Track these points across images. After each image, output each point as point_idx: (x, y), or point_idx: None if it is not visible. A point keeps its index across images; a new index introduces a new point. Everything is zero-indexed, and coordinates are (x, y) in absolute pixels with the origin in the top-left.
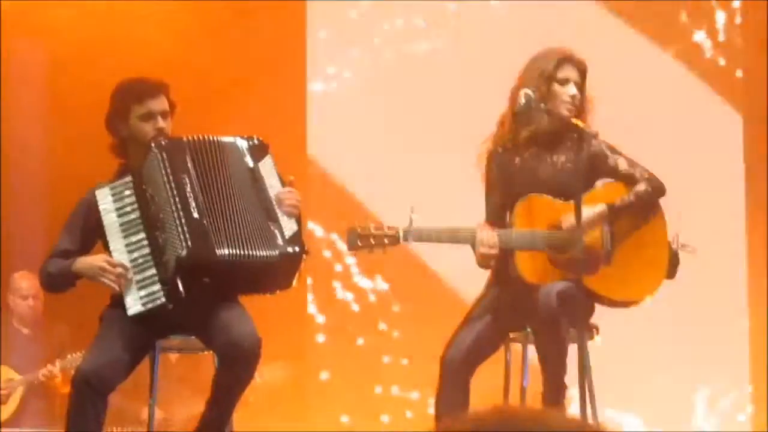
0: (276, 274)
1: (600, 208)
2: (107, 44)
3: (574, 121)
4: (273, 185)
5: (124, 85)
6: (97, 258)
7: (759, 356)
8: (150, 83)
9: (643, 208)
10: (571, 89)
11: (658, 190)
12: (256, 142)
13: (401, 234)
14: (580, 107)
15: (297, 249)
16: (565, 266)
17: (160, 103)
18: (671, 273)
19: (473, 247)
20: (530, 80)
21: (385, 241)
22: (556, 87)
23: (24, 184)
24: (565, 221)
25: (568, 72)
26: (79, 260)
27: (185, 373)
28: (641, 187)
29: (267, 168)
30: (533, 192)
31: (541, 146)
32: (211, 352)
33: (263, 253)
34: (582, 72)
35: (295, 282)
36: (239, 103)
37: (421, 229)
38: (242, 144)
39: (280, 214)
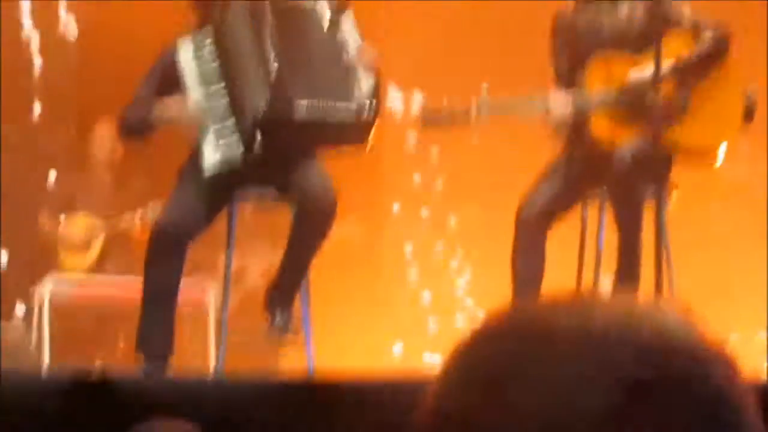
0: (353, 127)
1: (669, 63)
2: None
3: None
4: (353, 40)
5: None
6: (174, 99)
7: None
8: None
9: (712, 57)
10: None
11: (724, 37)
12: None
13: (474, 107)
14: None
15: (373, 103)
16: (640, 122)
17: None
18: (748, 117)
19: (548, 113)
20: None
21: (460, 115)
22: None
23: (115, 29)
24: (633, 76)
25: None
26: (157, 107)
27: (260, 224)
28: (707, 36)
29: (348, 23)
30: (600, 49)
31: (604, 1)
32: (288, 204)
33: (341, 105)
34: None
35: (371, 138)
36: None
37: (494, 101)
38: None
39: (358, 68)
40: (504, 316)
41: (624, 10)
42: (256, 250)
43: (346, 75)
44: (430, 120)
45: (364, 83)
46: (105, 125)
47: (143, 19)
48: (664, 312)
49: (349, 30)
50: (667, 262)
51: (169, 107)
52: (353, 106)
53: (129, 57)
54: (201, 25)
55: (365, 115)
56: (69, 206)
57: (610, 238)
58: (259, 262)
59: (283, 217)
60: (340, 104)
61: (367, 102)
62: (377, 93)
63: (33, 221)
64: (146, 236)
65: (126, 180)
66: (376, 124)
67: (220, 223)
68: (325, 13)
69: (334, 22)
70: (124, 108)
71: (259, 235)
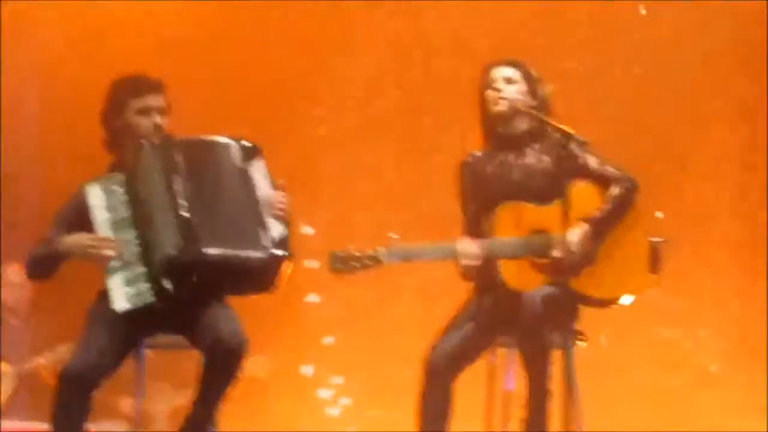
0: (261, 275)
1: (582, 228)
2: (98, 41)
3: (563, 126)
4: (263, 187)
5: (122, 80)
6: (81, 235)
7: None
8: (149, 79)
9: (621, 210)
10: (498, 84)
11: (631, 189)
12: (248, 144)
13: (382, 254)
14: (538, 105)
15: (283, 252)
16: (548, 270)
17: (158, 100)
18: (653, 268)
19: (456, 260)
20: (478, 92)
21: (367, 262)
22: (487, 92)
23: (19, 176)
24: (557, 247)
25: (494, 74)
26: (63, 239)
27: (163, 368)
28: (615, 190)
29: (258, 170)
30: (508, 197)
31: (510, 150)
32: (197, 350)
33: (248, 253)
34: (518, 68)
35: (278, 285)
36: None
37: (402, 248)
38: (234, 145)
39: (269, 217)
40: None
41: (531, 159)
42: (159, 393)
43: (255, 223)
44: (340, 265)
45: (274, 232)
46: (11, 269)
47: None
48: None
49: (261, 176)
50: (575, 408)
51: (77, 242)
52: (262, 255)
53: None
54: (112, 167)
55: (274, 264)
56: None
57: (519, 384)
58: (163, 406)
59: (184, 360)
60: (249, 253)
61: (277, 251)
62: (287, 242)
63: None
64: (55, 380)
65: (35, 323)
66: (285, 271)
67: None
68: (237, 156)
69: (245, 168)
70: (32, 248)
71: (161, 377)
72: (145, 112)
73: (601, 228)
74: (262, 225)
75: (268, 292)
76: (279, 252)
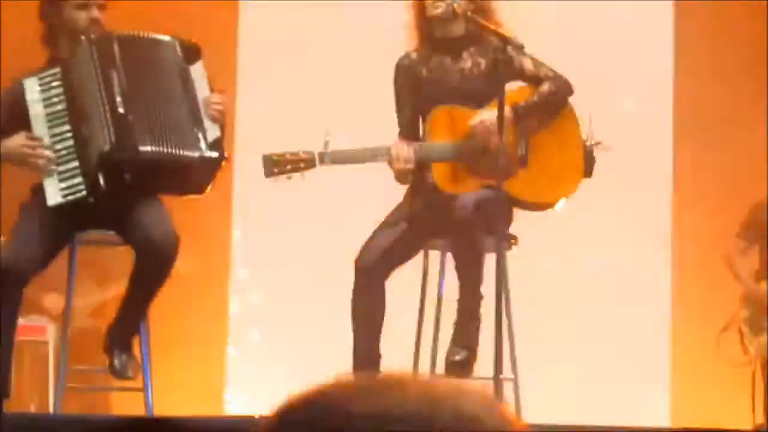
0: (193, 176)
1: (506, 110)
2: None
3: (499, 30)
4: (202, 89)
5: None
6: (19, 138)
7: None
8: None
9: (548, 106)
10: None
11: (563, 89)
12: (190, 44)
13: (317, 157)
14: (476, 8)
15: (216, 154)
16: (481, 173)
17: None
18: (588, 171)
19: (390, 164)
20: None
21: (301, 165)
22: None
23: None
24: (474, 127)
25: None
26: (2, 141)
27: (85, 263)
28: (545, 87)
29: (198, 72)
30: (443, 101)
31: (447, 54)
32: (129, 246)
33: (184, 153)
34: None
35: (209, 187)
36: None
37: (336, 151)
38: (176, 44)
39: (205, 118)
40: (303, 402)
41: (467, 63)
42: (82, 289)
43: (192, 123)
44: (275, 168)
45: (210, 133)
46: None
47: None
48: (466, 395)
49: (199, 77)
50: (507, 313)
51: (13, 147)
52: (196, 155)
53: None
54: (49, 61)
55: (207, 165)
56: None
57: (452, 288)
58: (86, 302)
59: (108, 256)
60: (184, 152)
61: (211, 153)
62: (221, 144)
63: None
64: None
65: None
66: (216, 173)
67: None
68: (178, 55)
69: (185, 68)
70: None
71: (84, 274)
72: (83, 6)
73: (523, 116)
74: (199, 126)
75: (200, 193)
76: (213, 154)
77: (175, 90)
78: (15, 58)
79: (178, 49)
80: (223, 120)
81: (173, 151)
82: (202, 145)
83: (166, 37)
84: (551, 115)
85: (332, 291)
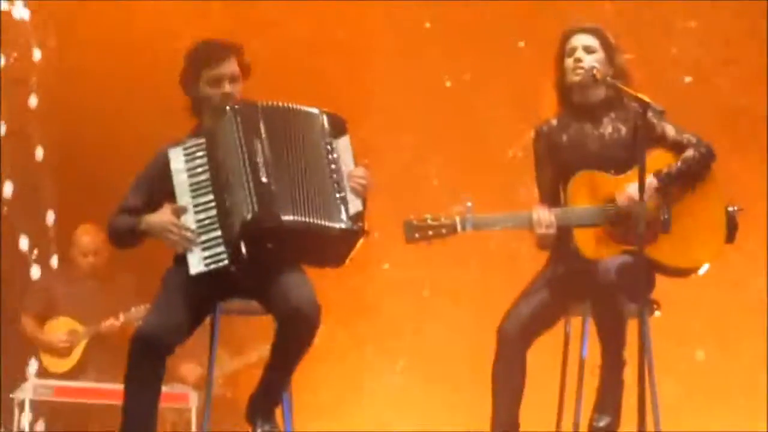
0: (333, 248)
1: (649, 179)
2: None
3: (640, 95)
4: (346, 162)
5: (195, 48)
6: (164, 215)
7: None
8: (220, 46)
9: (692, 173)
10: (578, 54)
11: (707, 155)
12: (336, 117)
13: (459, 222)
14: (615, 73)
15: (357, 226)
16: (623, 239)
17: (228, 67)
18: (730, 237)
19: (532, 229)
20: (555, 60)
21: (443, 231)
22: (566, 60)
23: (91, 135)
24: (619, 198)
25: (575, 42)
26: (146, 218)
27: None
28: (689, 153)
29: (343, 145)
30: (583, 167)
31: (587, 120)
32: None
33: (325, 223)
34: (597, 36)
35: (348, 260)
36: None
37: (478, 217)
38: (323, 117)
39: (347, 191)
40: None
41: (607, 129)
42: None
43: (335, 196)
44: (416, 233)
45: (352, 207)
46: (86, 229)
47: (120, 127)
48: None
49: (345, 150)
50: (650, 378)
51: (157, 223)
52: (337, 227)
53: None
54: (194, 131)
55: (347, 238)
56: (51, 309)
57: (594, 353)
58: (219, 371)
59: (239, 325)
60: (325, 223)
61: (353, 226)
62: (362, 217)
63: (14, 323)
64: (127, 341)
65: (109, 283)
66: (357, 246)
67: None
68: (323, 128)
69: (330, 140)
70: (113, 215)
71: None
72: (215, 83)
73: (669, 183)
74: (341, 198)
75: (340, 266)
76: (354, 226)
77: (318, 161)
78: None
79: (325, 121)
80: (365, 194)
81: (314, 221)
82: (343, 216)
83: (314, 110)
84: (695, 182)
85: (475, 359)
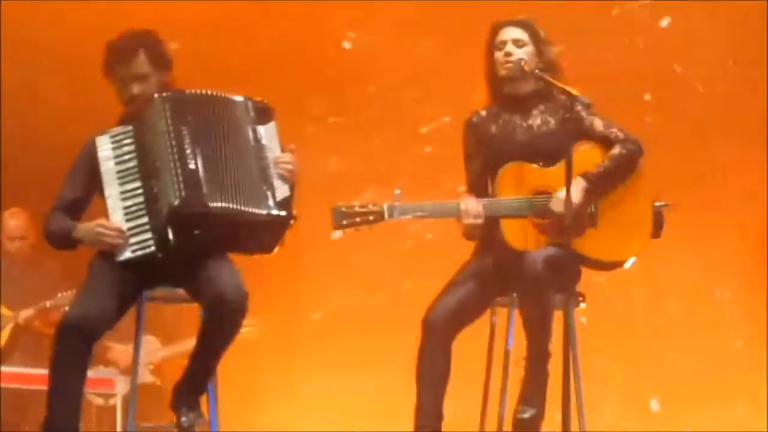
0: (262, 235)
1: (578, 182)
2: None
3: (568, 88)
4: (273, 149)
5: (107, 45)
6: (91, 224)
7: None
8: (124, 45)
9: (620, 170)
10: (508, 47)
11: (634, 151)
12: (262, 104)
13: (386, 210)
14: (544, 66)
15: (284, 213)
16: (550, 231)
17: (134, 68)
18: (656, 232)
19: (459, 219)
20: (485, 52)
21: (370, 218)
22: (496, 53)
23: (23, 121)
24: (553, 204)
25: (503, 35)
26: (77, 227)
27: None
28: (617, 150)
29: (269, 132)
30: (512, 158)
31: (516, 111)
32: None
33: (253, 210)
34: (527, 29)
35: (277, 247)
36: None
37: (406, 205)
38: (248, 104)
39: (274, 177)
40: None
41: (536, 120)
42: (145, 345)
43: (261, 182)
44: (343, 220)
45: (279, 193)
46: (13, 212)
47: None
48: None
49: (271, 136)
50: (575, 370)
51: (87, 232)
52: (264, 212)
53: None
54: (121, 119)
55: (275, 224)
56: None
57: (520, 345)
58: (149, 358)
59: (171, 313)
60: (253, 210)
61: (280, 212)
62: (290, 203)
63: None
64: (49, 330)
65: (36, 268)
66: (285, 233)
67: None
68: (249, 115)
69: (256, 127)
70: (49, 211)
71: (148, 330)
72: (122, 82)
73: (598, 184)
74: (268, 185)
75: (268, 252)
76: (281, 212)
77: (245, 148)
78: None
79: (250, 108)
80: (292, 180)
81: (242, 208)
82: (271, 203)
83: (239, 97)
84: (623, 179)
85: (398, 349)
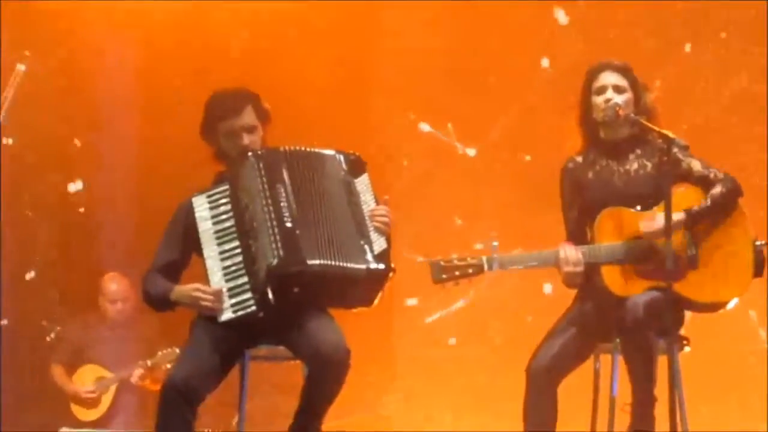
0: (360, 289)
1: (679, 215)
2: (200, 43)
3: (665, 131)
4: (367, 201)
5: (210, 100)
6: (189, 287)
7: None
8: (234, 97)
9: (721, 210)
10: (609, 93)
11: (734, 191)
12: (354, 157)
13: (486, 262)
14: (639, 108)
15: (383, 266)
16: (651, 275)
17: (243, 119)
18: (758, 271)
19: (559, 268)
20: (581, 96)
21: (470, 270)
22: (594, 98)
23: (115, 184)
24: (643, 226)
25: (603, 80)
26: (175, 290)
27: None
28: (717, 189)
29: (363, 184)
30: (609, 203)
31: (612, 156)
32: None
33: (351, 265)
34: (626, 75)
35: (377, 300)
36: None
37: (504, 257)
38: (341, 158)
39: (371, 230)
40: None
41: (633, 165)
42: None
43: (358, 236)
44: (442, 274)
45: (376, 246)
46: (112, 276)
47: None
48: None
49: (365, 189)
50: (681, 415)
51: (185, 296)
52: (363, 267)
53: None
54: (217, 178)
55: (374, 278)
56: (79, 357)
57: (624, 390)
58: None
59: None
60: (351, 265)
61: (376, 264)
62: (388, 256)
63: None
64: (156, 387)
65: (135, 328)
66: (384, 286)
67: None
68: (342, 168)
69: (350, 181)
70: (146, 273)
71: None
72: (231, 135)
73: (697, 220)
74: (365, 238)
75: (368, 306)
76: (380, 266)
77: (340, 203)
78: None
79: (343, 162)
80: (388, 231)
81: (340, 263)
82: (369, 257)
83: (332, 152)
84: (723, 218)
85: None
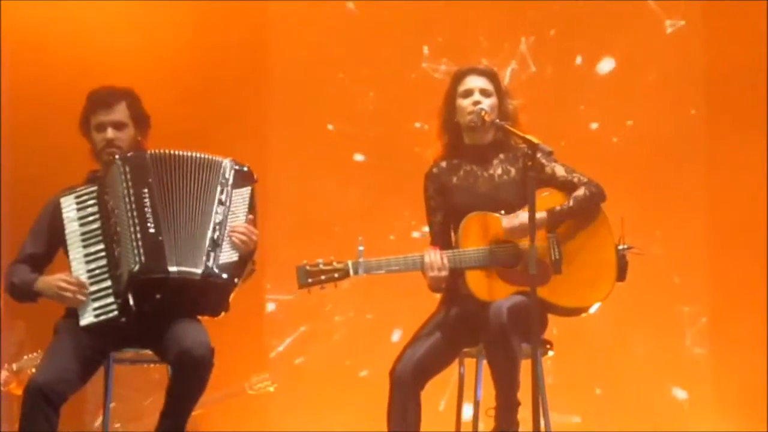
0: (209, 297)
1: (541, 214)
2: (71, 41)
3: (529, 136)
4: (237, 213)
5: (88, 95)
6: (54, 278)
7: None
8: (107, 95)
9: (583, 212)
10: (477, 96)
11: (598, 194)
12: (244, 170)
13: (351, 267)
14: (502, 113)
15: (225, 276)
16: (515, 280)
17: (113, 115)
18: (621, 275)
19: (423, 272)
20: (445, 99)
21: (335, 275)
22: (460, 101)
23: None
24: (505, 222)
25: (470, 84)
26: (39, 280)
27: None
28: (580, 192)
29: (241, 197)
30: (474, 208)
31: (476, 161)
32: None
33: (189, 269)
34: (492, 79)
35: (223, 312)
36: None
37: (370, 261)
38: (227, 166)
39: (225, 240)
40: None
41: (497, 170)
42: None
43: (209, 243)
44: (308, 278)
45: (224, 256)
46: None
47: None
48: None
49: (240, 201)
50: (545, 419)
51: (49, 286)
52: (199, 272)
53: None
54: (88, 178)
55: (214, 286)
56: None
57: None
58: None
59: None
60: (190, 269)
61: (220, 274)
62: (233, 268)
63: None
64: (21, 391)
65: (4, 330)
66: (229, 296)
67: None
68: (223, 176)
69: (226, 189)
70: (11, 264)
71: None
72: (100, 128)
73: (559, 220)
74: (214, 246)
75: (215, 315)
76: (222, 275)
77: (204, 210)
78: None
79: (228, 171)
80: (244, 249)
81: (190, 270)
82: (210, 263)
83: (221, 158)
84: (586, 221)
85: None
